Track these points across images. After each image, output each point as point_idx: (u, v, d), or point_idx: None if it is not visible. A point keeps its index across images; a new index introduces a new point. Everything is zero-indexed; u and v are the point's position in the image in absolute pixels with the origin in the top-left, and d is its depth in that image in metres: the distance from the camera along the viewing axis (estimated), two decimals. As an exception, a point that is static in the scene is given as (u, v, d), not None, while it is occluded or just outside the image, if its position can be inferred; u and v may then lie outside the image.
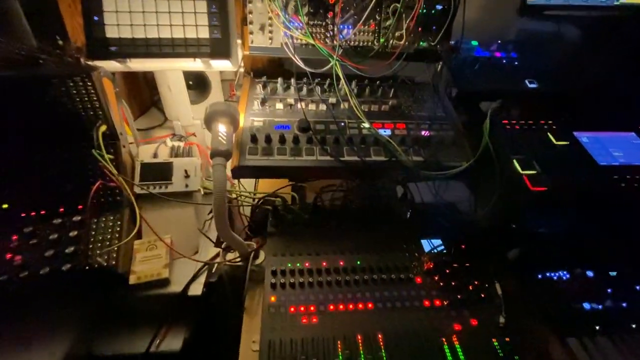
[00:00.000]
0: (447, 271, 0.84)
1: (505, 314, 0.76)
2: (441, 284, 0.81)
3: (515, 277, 0.85)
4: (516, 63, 1.16)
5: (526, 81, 1.09)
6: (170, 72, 0.93)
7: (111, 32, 0.82)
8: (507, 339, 0.72)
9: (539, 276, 0.86)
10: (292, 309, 0.74)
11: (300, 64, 0.89)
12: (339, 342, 0.69)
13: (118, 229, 0.81)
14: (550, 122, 0.95)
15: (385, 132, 0.89)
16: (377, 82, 1.01)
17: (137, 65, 0.85)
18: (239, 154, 0.81)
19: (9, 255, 0.73)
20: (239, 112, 0.80)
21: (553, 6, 0.95)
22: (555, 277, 0.87)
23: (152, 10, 0.83)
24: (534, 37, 1.24)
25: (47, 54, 0.81)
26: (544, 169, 0.81)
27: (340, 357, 0.67)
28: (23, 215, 0.78)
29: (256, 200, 1.00)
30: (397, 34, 0.95)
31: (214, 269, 0.84)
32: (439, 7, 0.95)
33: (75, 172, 0.82)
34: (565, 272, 0.88)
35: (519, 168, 0.81)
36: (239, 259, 0.84)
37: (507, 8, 1.23)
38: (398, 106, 0.96)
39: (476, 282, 0.82)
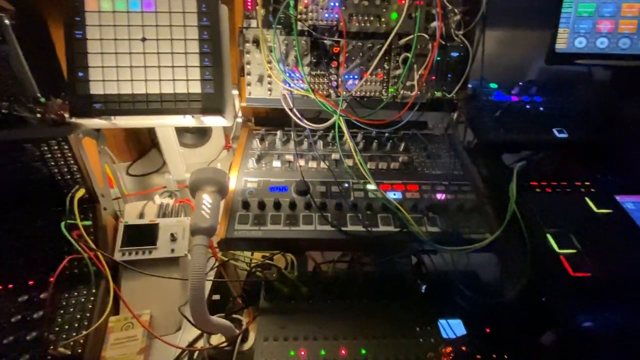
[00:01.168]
0: (470, 365, 0.70)
1: None
2: (463, 384, 0.68)
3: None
4: (541, 109, 1.04)
5: (554, 130, 0.98)
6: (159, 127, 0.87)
7: (96, 89, 0.76)
8: None
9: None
10: (282, 418, 0.62)
11: (299, 120, 0.80)
12: None
13: (90, 305, 0.72)
14: (587, 183, 0.82)
15: (394, 196, 0.78)
16: (386, 134, 0.92)
17: (123, 122, 0.78)
18: (227, 224, 0.71)
19: (-35, 341, 0.64)
20: (229, 177, 0.71)
21: (586, 55, 0.84)
22: (603, 375, 0.72)
23: (141, 65, 0.77)
24: (560, 79, 1.13)
25: (28, 112, 0.75)
26: (585, 247, 0.68)
27: None
28: (-13, 290, 0.70)
29: (250, 265, 0.90)
30: (407, 83, 0.87)
31: (195, 355, 0.73)
32: (454, 54, 0.86)
33: (48, 241, 0.74)
34: (615, 367, 0.73)
35: (555, 246, 0.68)
36: (224, 343, 0.73)
37: (529, 48, 1.14)
38: (409, 163, 0.86)
39: (506, 383, 0.68)
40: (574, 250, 0.68)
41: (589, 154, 0.93)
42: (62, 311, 0.70)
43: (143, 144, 1.42)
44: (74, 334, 0.68)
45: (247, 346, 0.74)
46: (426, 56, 0.83)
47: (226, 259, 0.93)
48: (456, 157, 0.88)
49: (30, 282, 0.72)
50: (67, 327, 0.69)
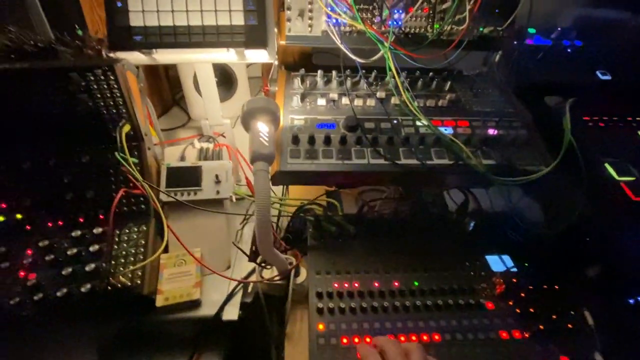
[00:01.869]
0: (523, 295, 0.71)
1: (600, 351, 0.63)
2: (517, 310, 0.69)
3: (602, 301, 0.72)
4: (582, 52, 1.02)
5: (598, 72, 0.96)
6: (198, 65, 0.83)
7: (135, 20, 0.72)
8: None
9: (631, 301, 0.73)
10: (345, 340, 0.63)
11: (349, 53, 0.77)
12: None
13: (143, 241, 0.71)
14: (638, 118, 0.81)
15: (446, 131, 0.77)
16: (430, 74, 0.89)
17: (164, 57, 0.75)
18: (279, 158, 0.70)
19: (22, 273, 0.64)
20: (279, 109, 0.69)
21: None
22: (650, 303, 0.73)
23: (181, -6, 0.73)
24: (599, 22, 1.10)
25: (65, 46, 0.72)
26: (644, 174, 0.68)
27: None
28: (39, 226, 0.69)
29: (285, 207, 0.90)
30: (456, 18, 0.83)
31: (249, 288, 0.74)
32: (504, -14, 0.82)
33: (96, 178, 0.73)
34: (660, 296, 0.74)
35: (614, 174, 0.68)
36: (277, 277, 0.73)
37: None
38: (457, 101, 0.84)
39: (559, 309, 0.69)
40: (633, 178, 0.67)
41: (634, 93, 0.91)
42: (115, 246, 0.70)
43: (165, 102, 1.39)
44: (131, 267, 0.68)
45: (299, 280, 0.74)
46: (476, -13, 0.79)
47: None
48: (504, 96, 0.86)
49: (81, 219, 0.71)
50: (122, 261, 0.68)
